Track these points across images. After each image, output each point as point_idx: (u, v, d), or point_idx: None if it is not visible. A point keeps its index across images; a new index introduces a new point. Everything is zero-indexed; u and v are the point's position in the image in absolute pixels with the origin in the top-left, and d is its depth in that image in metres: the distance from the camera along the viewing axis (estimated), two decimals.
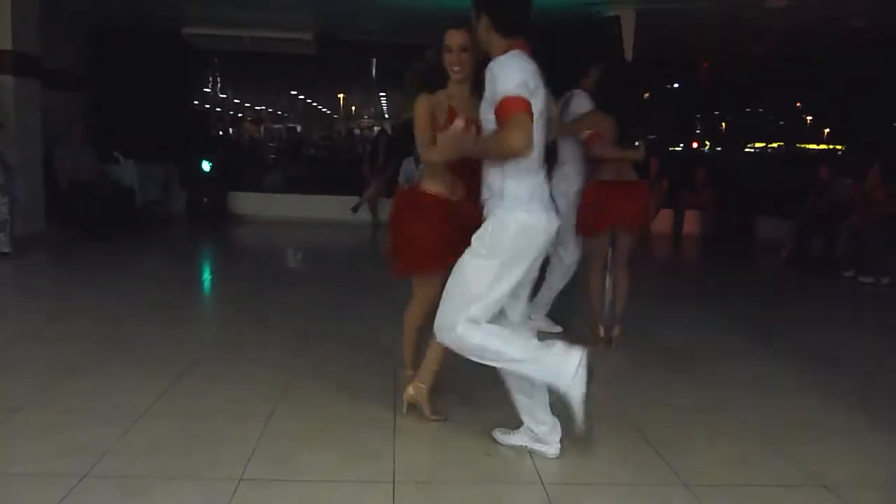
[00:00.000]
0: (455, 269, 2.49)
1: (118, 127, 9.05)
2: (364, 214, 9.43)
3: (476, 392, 3.18)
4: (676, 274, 7.99)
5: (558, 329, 4.37)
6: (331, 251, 8.18)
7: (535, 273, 2.58)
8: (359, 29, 9.42)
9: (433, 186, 2.83)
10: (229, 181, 9.53)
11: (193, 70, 10.84)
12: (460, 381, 3.20)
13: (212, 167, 9.29)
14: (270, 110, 14.31)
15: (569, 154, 4.23)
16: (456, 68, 2.72)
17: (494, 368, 2.54)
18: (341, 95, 13.22)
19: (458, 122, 2.58)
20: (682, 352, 4.22)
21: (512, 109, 2.26)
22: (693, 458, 2.70)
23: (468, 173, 2.68)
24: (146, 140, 8.78)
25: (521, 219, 2.40)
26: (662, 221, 9.67)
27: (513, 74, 2.31)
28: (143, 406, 2.95)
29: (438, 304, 2.53)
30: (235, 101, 13.14)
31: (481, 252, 2.43)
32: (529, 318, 3.10)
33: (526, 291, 2.62)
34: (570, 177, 4.24)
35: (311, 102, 13.60)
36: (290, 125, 13.89)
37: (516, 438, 2.71)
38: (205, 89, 11.67)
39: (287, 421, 2.89)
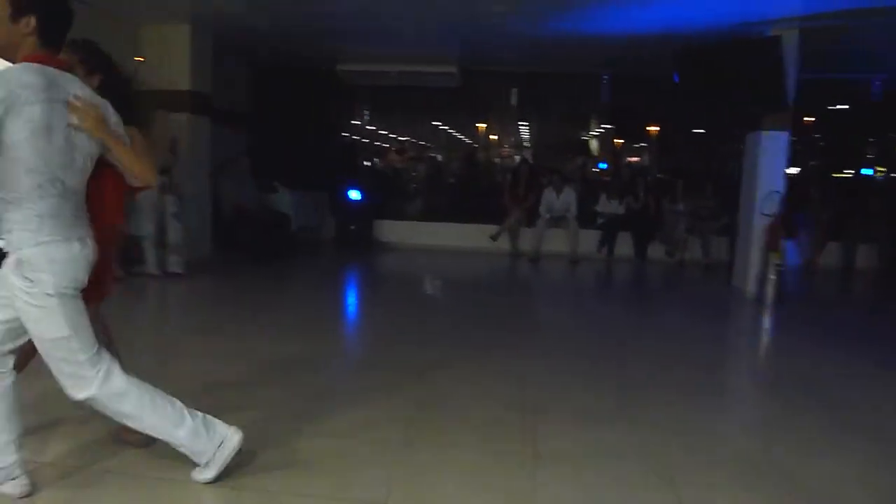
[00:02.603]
0: None
1: (276, 158, 9.71)
2: (503, 243, 9.42)
3: None
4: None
5: None
6: (469, 279, 8.22)
7: None
8: (500, 60, 9.54)
9: None
10: (375, 209, 9.91)
11: (344, 104, 11.47)
12: None
13: (359, 196, 9.70)
14: (413, 140, 14.77)
15: None
16: None
17: None
18: (482, 125, 13.39)
19: None
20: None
21: None
22: None
23: None
24: (301, 170, 9.34)
25: None
26: (829, 255, 8.88)
27: None
28: (291, 425, 3.05)
29: None
30: (381, 132, 13.68)
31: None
32: None
33: None
34: None
35: (451, 132, 13.88)
36: (432, 155, 14.22)
37: None
38: (353, 121, 12.26)
39: (422, 450, 2.89)
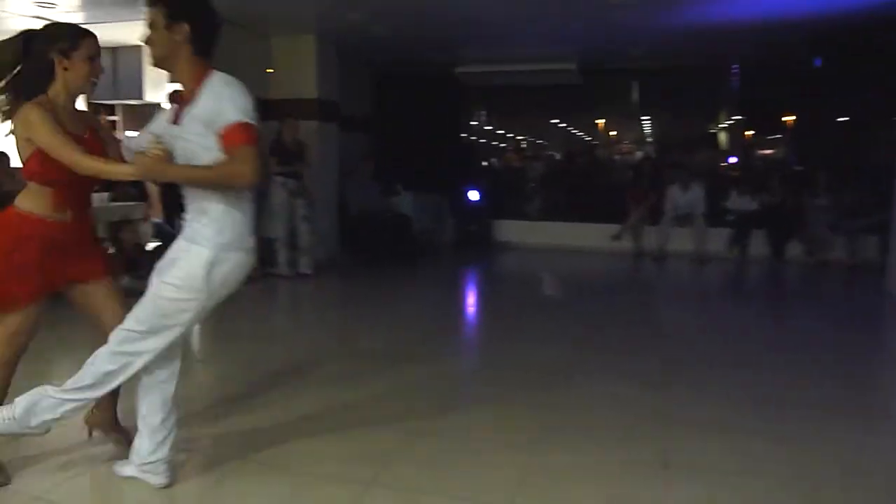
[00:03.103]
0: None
1: (397, 162, 9.95)
2: (626, 243, 9.14)
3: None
4: None
5: None
6: (591, 280, 8.04)
7: None
8: (620, 55, 9.27)
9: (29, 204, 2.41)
10: (495, 210, 9.92)
11: (462, 106, 11.58)
12: None
13: (479, 196, 9.75)
14: (531, 139, 14.68)
15: None
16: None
17: None
18: (601, 121, 13.09)
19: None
20: None
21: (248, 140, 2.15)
22: None
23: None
24: (421, 173, 9.52)
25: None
26: None
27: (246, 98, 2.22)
28: (417, 424, 3.10)
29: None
30: (499, 132, 13.69)
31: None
32: None
33: None
34: None
35: (570, 130, 13.67)
36: (550, 153, 14.08)
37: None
38: (471, 122, 12.35)
39: (551, 454, 2.84)
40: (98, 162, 2.25)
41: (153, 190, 7.61)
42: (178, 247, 2.31)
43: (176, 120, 2.27)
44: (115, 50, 9.06)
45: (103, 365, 2.33)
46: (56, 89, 2.32)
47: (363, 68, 10.10)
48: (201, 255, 2.23)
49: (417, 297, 6.56)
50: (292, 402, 3.40)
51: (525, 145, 14.43)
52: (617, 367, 4.11)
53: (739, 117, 11.28)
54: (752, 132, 11.53)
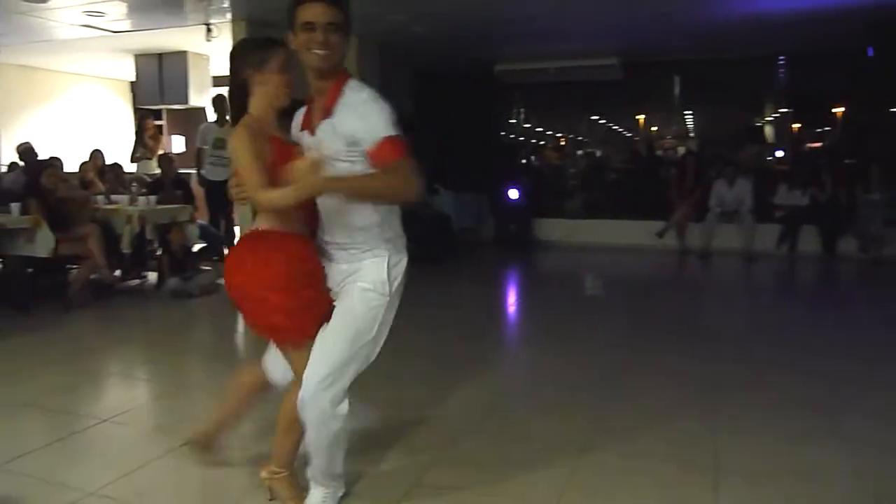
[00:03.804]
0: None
1: (437, 160, 9.94)
2: (671, 240, 8.98)
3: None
4: None
5: None
6: (635, 278, 7.91)
7: None
8: (662, 48, 9.10)
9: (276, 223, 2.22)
10: (535, 208, 9.84)
11: (502, 103, 11.52)
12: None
13: (519, 195, 9.69)
14: (571, 136, 14.53)
15: None
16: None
17: None
18: (641, 116, 12.88)
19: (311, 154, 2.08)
20: None
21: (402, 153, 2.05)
22: None
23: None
24: (461, 171, 9.50)
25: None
26: None
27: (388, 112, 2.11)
28: (469, 426, 3.09)
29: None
30: (538, 129, 13.59)
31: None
32: None
33: None
34: None
35: (611, 126, 13.48)
36: (590, 150, 13.92)
37: None
38: (511, 121, 12.27)
39: (601, 455, 2.80)
40: (271, 194, 2.05)
41: (198, 192, 7.76)
42: (345, 273, 2.22)
43: (308, 128, 2.20)
44: (161, 56, 9.26)
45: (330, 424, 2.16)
46: (257, 105, 2.22)
47: (404, 68, 10.13)
48: (382, 259, 2.22)
49: (458, 297, 6.54)
50: None
51: (564, 143, 14.30)
52: (669, 368, 4.03)
53: (787, 109, 10.96)
54: (799, 125, 11.19)
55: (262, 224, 2.20)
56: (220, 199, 7.33)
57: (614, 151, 12.56)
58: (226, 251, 7.65)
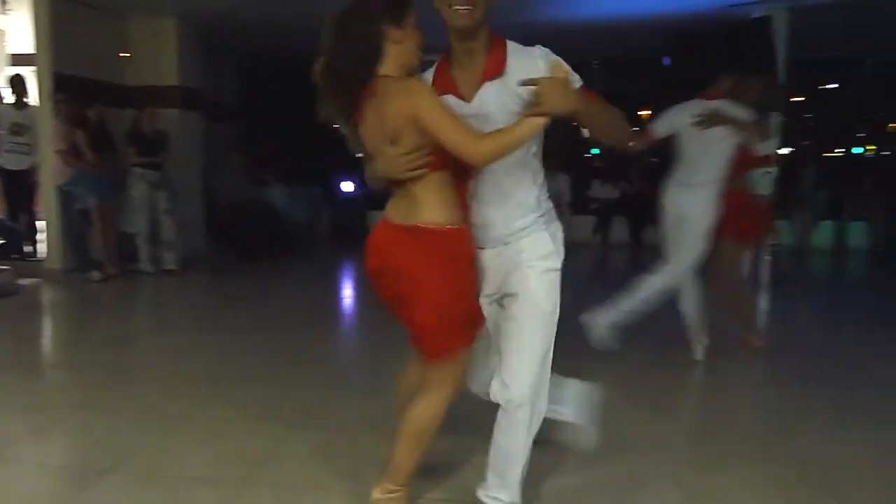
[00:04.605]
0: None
1: (268, 152, 9.65)
2: None
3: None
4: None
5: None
6: None
7: None
8: None
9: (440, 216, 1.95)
10: (371, 201, 9.86)
11: None
12: None
13: (355, 188, 9.67)
14: None
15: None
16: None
17: None
18: None
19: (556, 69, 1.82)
20: None
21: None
22: None
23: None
24: (294, 164, 9.30)
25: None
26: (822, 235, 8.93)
27: None
28: (300, 417, 3.07)
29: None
30: None
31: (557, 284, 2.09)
32: None
33: None
34: None
35: None
36: None
37: None
38: None
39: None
40: (504, 133, 1.79)
41: None
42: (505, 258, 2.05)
43: (455, 94, 1.95)
44: None
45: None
46: (390, 67, 1.90)
47: (230, 55, 9.71)
48: (543, 232, 2.05)
49: (287, 292, 6.38)
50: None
51: None
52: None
53: None
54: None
55: (422, 213, 1.93)
56: (20, 190, 6.64)
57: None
58: (27, 248, 6.94)
